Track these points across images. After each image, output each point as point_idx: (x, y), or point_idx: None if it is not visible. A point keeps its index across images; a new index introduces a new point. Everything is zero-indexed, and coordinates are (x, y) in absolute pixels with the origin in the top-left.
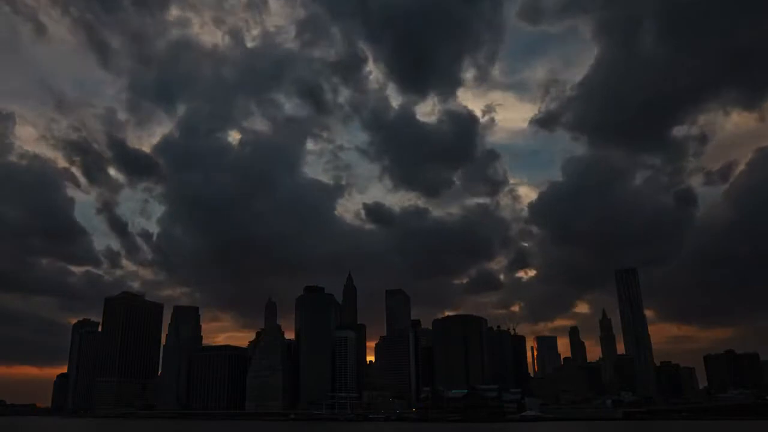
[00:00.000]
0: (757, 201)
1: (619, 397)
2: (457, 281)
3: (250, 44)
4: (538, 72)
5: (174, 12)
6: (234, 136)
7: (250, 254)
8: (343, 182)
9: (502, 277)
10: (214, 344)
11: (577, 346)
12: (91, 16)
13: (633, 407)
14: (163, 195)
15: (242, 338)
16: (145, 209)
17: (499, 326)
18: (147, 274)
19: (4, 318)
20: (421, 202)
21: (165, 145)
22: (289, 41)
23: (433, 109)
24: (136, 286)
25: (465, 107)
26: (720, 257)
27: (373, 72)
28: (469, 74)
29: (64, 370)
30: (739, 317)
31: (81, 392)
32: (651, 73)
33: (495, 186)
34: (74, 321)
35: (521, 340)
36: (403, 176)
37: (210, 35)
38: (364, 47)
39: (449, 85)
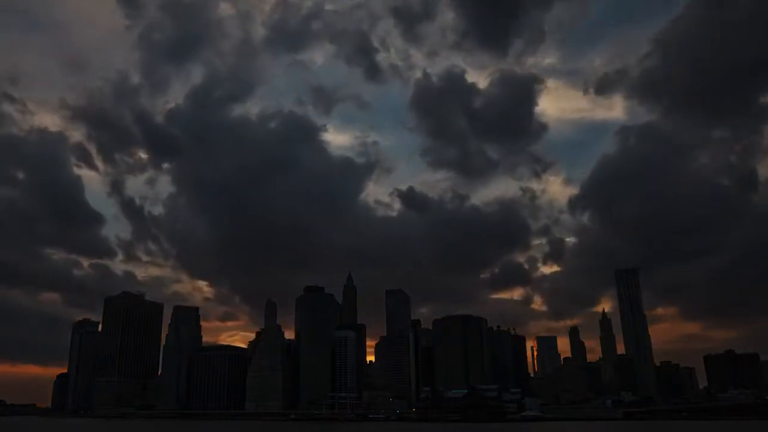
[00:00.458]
0: None
1: (619, 397)
2: (483, 275)
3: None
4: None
5: None
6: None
7: (266, 245)
8: (373, 159)
9: (530, 269)
10: (216, 344)
11: (577, 346)
12: None
13: (633, 407)
14: (175, 176)
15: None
16: (153, 191)
17: (499, 326)
18: (155, 267)
19: (7, 313)
20: (459, 184)
21: (175, 118)
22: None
23: (487, 74)
24: (146, 279)
25: (520, 73)
26: None
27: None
28: (521, 40)
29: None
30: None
31: (81, 392)
32: (740, 33)
33: (542, 166)
34: (79, 318)
35: (521, 340)
36: (442, 153)
37: None
38: None
39: (502, 47)
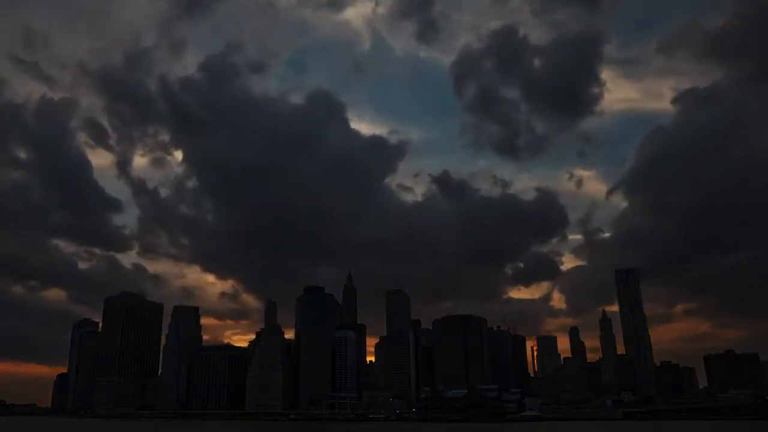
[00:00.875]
0: None
1: (619, 397)
2: (507, 268)
3: None
4: None
5: None
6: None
7: (287, 235)
8: (404, 138)
9: (559, 262)
10: (216, 343)
11: (577, 346)
12: None
13: (633, 407)
14: (188, 156)
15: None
16: (165, 173)
17: (499, 326)
18: (167, 260)
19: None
20: (499, 167)
21: (187, 89)
22: None
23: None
24: (157, 272)
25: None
26: None
27: None
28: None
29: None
30: None
31: (81, 392)
32: None
33: (592, 147)
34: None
35: (521, 340)
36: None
37: None
38: None
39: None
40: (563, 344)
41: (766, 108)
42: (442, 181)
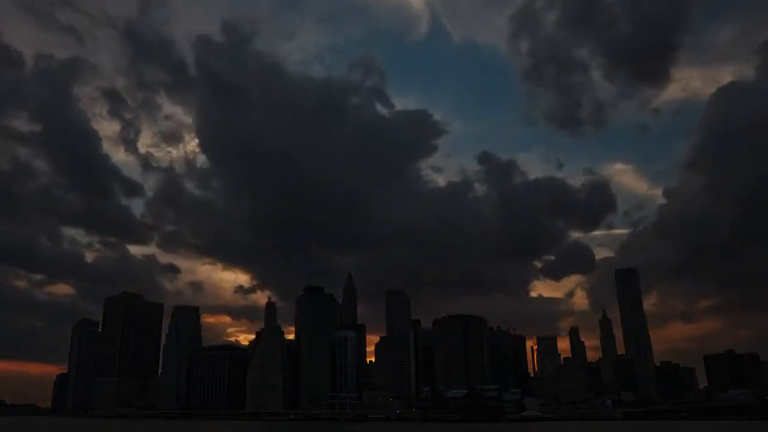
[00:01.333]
0: None
1: (619, 397)
2: (538, 261)
3: None
4: None
5: None
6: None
7: (308, 221)
8: (443, 114)
9: (596, 254)
10: (216, 343)
11: (577, 346)
12: None
13: (633, 407)
14: (201, 130)
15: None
16: (178, 150)
17: (499, 326)
18: (182, 250)
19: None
20: (550, 144)
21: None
22: None
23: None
24: (174, 264)
25: None
26: None
27: None
28: None
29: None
30: None
31: (81, 392)
32: None
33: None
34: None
35: (521, 340)
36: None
37: None
38: None
39: None
40: (563, 344)
41: None
42: (486, 161)
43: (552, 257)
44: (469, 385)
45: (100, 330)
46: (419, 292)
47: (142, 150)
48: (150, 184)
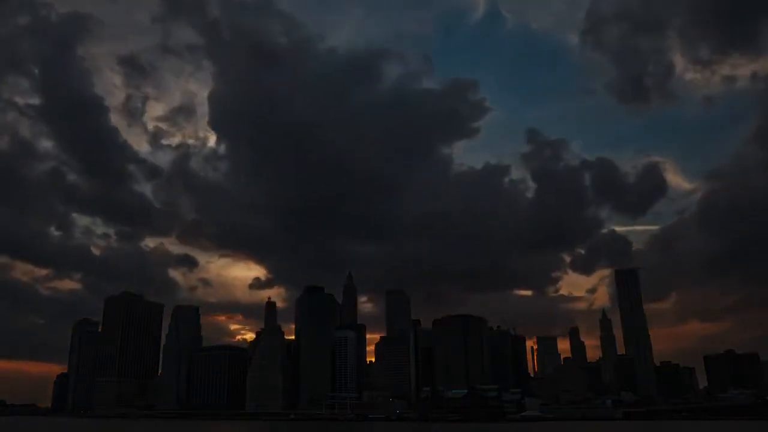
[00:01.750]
0: None
1: (619, 397)
2: (570, 253)
3: None
4: None
5: None
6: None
7: (329, 209)
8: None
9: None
10: (216, 343)
11: (577, 346)
12: None
13: (633, 407)
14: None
15: None
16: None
17: (499, 326)
18: (196, 241)
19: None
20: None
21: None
22: None
23: None
24: (190, 254)
25: None
26: None
27: None
28: None
29: None
30: None
31: (81, 392)
32: None
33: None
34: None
35: (521, 340)
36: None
37: None
38: None
39: None
40: (563, 344)
41: None
42: (531, 141)
43: (583, 249)
44: (469, 385)
45: (100, 330)
46: (435, 287)
47: (150, 126)
48: (161, 164)
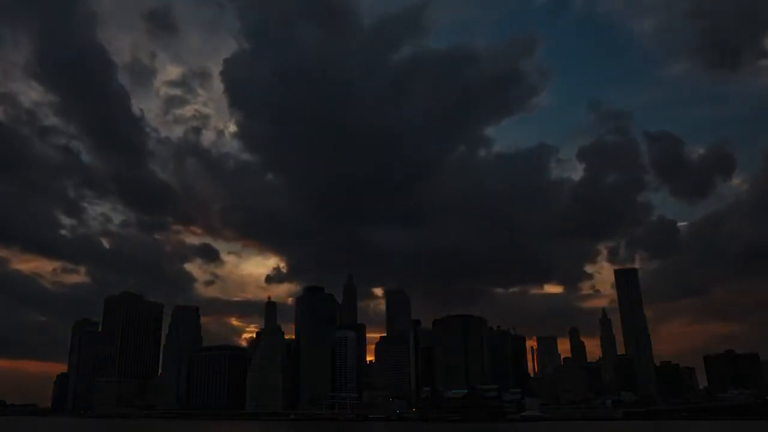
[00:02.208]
0: None
1: (619, 397)
2: (607, 242)
3: None
4: None
5: None
6: None
7: (359, 194)
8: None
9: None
10: (215, 344)
11: (577, 346)
12: None
13: (633, 407)
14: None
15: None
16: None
17: (499, 326)
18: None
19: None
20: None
21: None
22: None
23: None
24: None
25: None
26: None
27: None
28: None
29: None
30: None
31: (81, 392)
32: None
33: None
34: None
35: (521, 340)
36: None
37: None
38: None
39: None
40: (563, 344)
41: None
42: (598, 111)
43: (625, 239)
44: (469, 385)
45: (100, 330)
46: (458, 282)
47: (162, 93)
48: (173, 138)
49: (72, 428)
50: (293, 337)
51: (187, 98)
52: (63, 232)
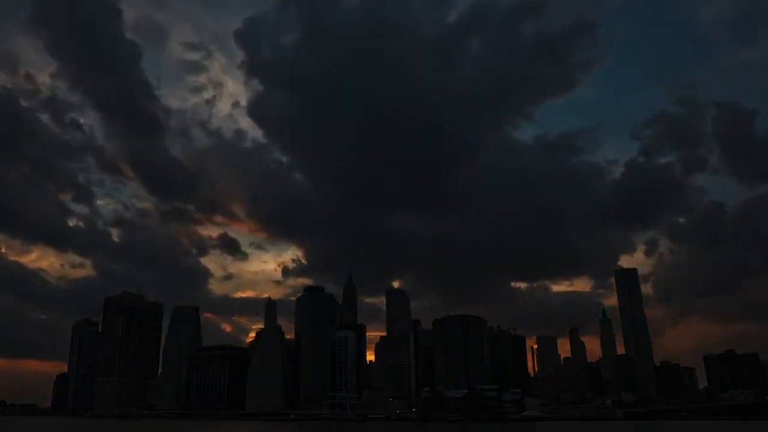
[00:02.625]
0: None
1: (619, 397)
2: (647, 231)
3: None
4: None
5: None
6: None
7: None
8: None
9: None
10: (215, 344)
11: (577, 346)
12: None
13: (633, 407)
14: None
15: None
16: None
17: (499, 326)
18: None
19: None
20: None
21: None
22: None
23: None
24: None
25: None
26: None
27: None
28: None
29: None
30: None
31: (81, 392)
32: None
33: None
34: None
35: (521, 340)
36: None
37: None
38: None
39: None
40: (563, 344)
41: None
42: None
43: (665, 228)
44: (469, 385)
45: (100, 330)
46: (485, 273)
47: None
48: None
49: (72, 428)
50: (293, 336)
51: (205, 64)
52: (71, 221)
